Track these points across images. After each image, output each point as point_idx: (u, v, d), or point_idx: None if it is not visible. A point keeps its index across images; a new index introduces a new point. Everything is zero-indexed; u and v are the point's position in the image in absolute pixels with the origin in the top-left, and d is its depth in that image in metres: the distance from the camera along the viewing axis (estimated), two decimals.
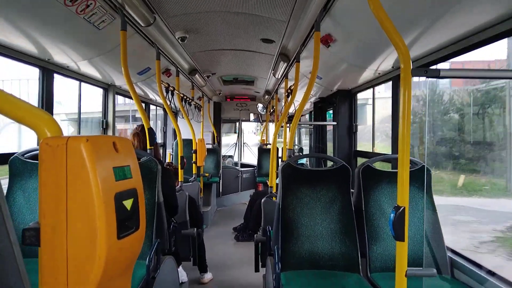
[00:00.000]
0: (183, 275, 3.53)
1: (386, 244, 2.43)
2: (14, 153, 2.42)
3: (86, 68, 3.33)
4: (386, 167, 3.21)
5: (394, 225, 1.33)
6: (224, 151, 9.34)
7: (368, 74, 3.33)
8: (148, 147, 2.94)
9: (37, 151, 2.43)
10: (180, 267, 3.45)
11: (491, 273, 2.03)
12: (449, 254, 2.35)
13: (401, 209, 1.33)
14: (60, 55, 2.85)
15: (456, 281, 2.21)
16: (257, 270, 3.02)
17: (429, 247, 2.39)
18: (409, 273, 1.35)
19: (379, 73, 3.22)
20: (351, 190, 2.61)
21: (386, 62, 2.88)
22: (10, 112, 0.71)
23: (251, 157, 9.66)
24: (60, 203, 0.67)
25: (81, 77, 3.53)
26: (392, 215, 1.34)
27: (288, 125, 4.57)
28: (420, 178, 2.49)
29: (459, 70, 1.45)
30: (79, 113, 3.86)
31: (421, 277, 2.03)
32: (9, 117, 0.72)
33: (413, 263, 2.33)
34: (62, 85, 3.26)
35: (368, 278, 2.34)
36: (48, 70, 2.97)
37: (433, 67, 2.47)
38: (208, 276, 4.03)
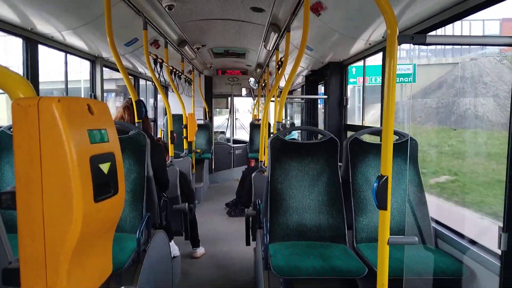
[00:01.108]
0: (175, 250, 3.58)
1: (372, 215, 2.47)
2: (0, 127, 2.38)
3: (72, 39, 3.24)
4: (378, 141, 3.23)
5: (377, 194, 1.35)
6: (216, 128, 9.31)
7: (359, 45, 3.28)
8: (136, 120, 2.91)
9: None
10: (172, 241, 3.49)
11: (473, 242, 2.08)
12: (433, 224, 2.40)
13: (384, 178, 1.34)
14: (43, 25, 2.76)
15: (439, 251, 2.27)
16: (248, 243, 3.07)
17: (414, 218, 2.44)
18: (391, 241, 1.38)
19: (370, 44, 3.18)
20: (340, 163, 2.63)
21: (377, 31, 2.83)
22: None
23: (244, 134, 9.65)
24: (35, 165, 0.66)
25: (67, 48, 3.44)
26: (375, 184, 1.35)
27: (278, 99, 4.54)
28: (406, 150, 2.51)
29: (446, 36, 1.43)
30: (66, 87, 3.78)
31: (403, 245, 2.09)
32: None
33: (398, 234, 2.38)
34: None
35: (354, 249, 2.39)
36: (32, 41, 2.88)
37: None
38: (200, 250, 4.09)
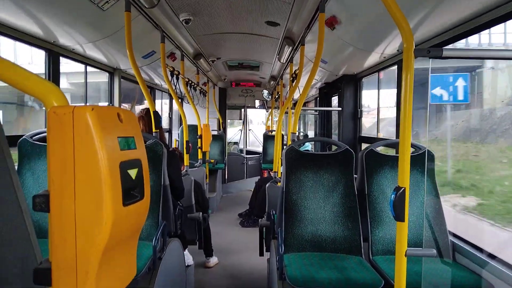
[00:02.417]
0: (189, 259, 3.59)
1: (388, 227, 2.45)
2: (22, 135, 2.45)
3: (92, 51, 3.34)
4: (391, 153, 3.22)
5: (395, 205, 1.35)
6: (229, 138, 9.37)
7: (373, 58, 3.30)
8: (153, 130, 2.97)
9: (45, 134, 2.47)
10: (186, 250, 3.50)
11: (492, 256, 2.04)
12: (450, 238, 2.37)
13: (401, 190, 1.34)
14: (65, 37, 2.86)
15: (457, 265, 2.23)
16: (261, 254, 3.06)
17: (431, 231, 2.41)
18: (408, 253, 1.37)
19: (384, 57, 3.19)
20: (355, 175, 2.63)
21: (391, 45, 2.85)
22: (19, 82, 0.73)
23: (258, 145, 9.69)
24: (68, 170, 0.70)
25: (87, 60, 3.54)
26: (392, 195, 1.35)
27: (292, 110, 4.57)
28: (423, 162, 2.49)
29: (463, 50, 1.44)
30: (86, 97, 3.88)
31: (421, 257, 2.06)
32: (18, 88, 0.74)
33: (415, 246, 2.35)
34: None
35: (370, 261, 2.37)
36: (54, 53, 2.98)
37: None
38: (213, 260, 4.09)
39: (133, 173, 0.77)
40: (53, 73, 3.00)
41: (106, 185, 0.69)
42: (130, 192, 0.76)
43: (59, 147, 0.70)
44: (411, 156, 2.38)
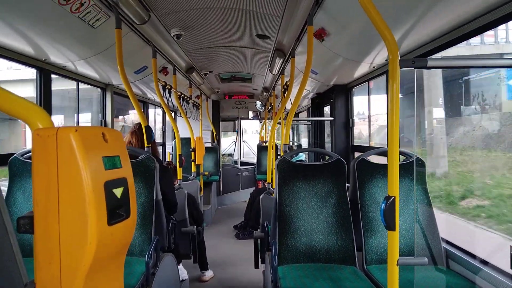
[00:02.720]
0: (183, 273, 3.56)
1: (381, 236, 2.45)
2: (13, 154, 2.44)
3: (83, 68, 3.35)
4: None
5: (385, 214, 1.35)
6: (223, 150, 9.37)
7: (363, 68, 3.35)
8: (145, 145, 2.97)
9: None
10: (181, 264, 3.47)
11: (485, 263, 2.05)
12: (444, 245, 2.38)
13: (391, 199, 1.35)
14: (56, 55, 2.87)
15: (451, 272, 2.24)
16: (256, 266, 3.05)
17: (424, 239, 2.41)
18: (400, 262, 1.37)
19: (373, 67, 3.24)
20: (347, 184, 2.64)
21: (380, 55, 2.89)
22: (3, 105, 0.74)
23: (252, 155, 9.69)
24: (52, 191, 0.70)
25: (79, 77, 3.55)
26: (383, 205, 1.36)
27: (285, 121, 4.58)
28: (413, 170, 2.51)
29: (447, 59, 1.46)
30: (78, 114, 3.88)
31: (413, 266, 2.06)
32: (2, 110, 0.75)
33: (408, 255, 2.36)
34: None
35: (364, 271, 2.36)
36: (45, 71, 2.99)
37: None
38: (209, 273, 4.06)
39: (118, 192, 0.78)
40: (45, 91, 3.00)
41: (90, 205, 0.69)
42: (116, 211, 0.76)
43: (43, 168, 0.71)
44: (402, 164, 2.41)
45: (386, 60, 2.98)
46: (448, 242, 2.41)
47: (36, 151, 0.71)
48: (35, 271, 0.72)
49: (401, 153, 2.44)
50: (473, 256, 2.17)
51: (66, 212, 0.70)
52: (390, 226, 1.36)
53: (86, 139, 0.72)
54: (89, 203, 0.69)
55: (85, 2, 2.25)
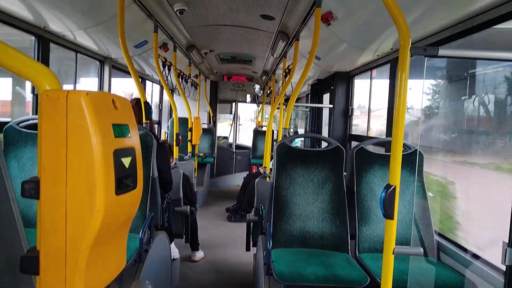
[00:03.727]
0: (175, 252, 3.57)
1: (375, 226, 2.47)
2: (8, 122, 2.39)
3: (82, 38, 3.27)
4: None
5: (384, 203, 1.35)
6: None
7: (367, 55, 3.31)
8: (144, 121, 2.93)
9: (32, 121, 2.42)
10: (173, 243, 3.48)
11: (476, 256, 2.08)
12: (436, 237, 2.40)
13: (391, 188, 1.35)
14: (56, 23, 2.79)
15: (442, 264, 2.27)
16: (248, 249, 3.07)
17: (417, 230, 2.44)
18: (396, 251, 1.38)
19: (378, 55, 3.20)
20: (344, 172, 2.64)
21: (385, 43, 2.86)
22: (10, 64, 0.71)
23: (247, 140, 9.67)
24: (60, 156, 0.68)
25: (77, 48, 3.47)
26: (383, 193, 1.36)
27: (284, 106, 4.56)
28: (413, 162, 2.52)
29: (459, 49, 1.44)
30: (74, 85, 3.81)
31: (408, 255, 2.08)
32: (9, 69, 0.71)
33: (401, 245, 2.38)
34: None
35: (356, 258, 2.39)
36: (44, 39, 2.91)
37: None
38: (199, 254, 4.08)
39: (126, 161, 0.76)
40: (43, 59, 2.93)
41: (99, 173, 0.67)
42: (123, 181, 0.74)
43: (51, 132, 0.68)
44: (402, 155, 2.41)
45: (392, 48, 2.95)
46: (440, 235, 2.44)
47: (45, 113, 0.68)
48: (39, 237, 0.70)
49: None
50: (464, 249, 2.20)
51: (73, 178, 0.67)
52: (389, 214, 1.36)
53: (97, 104, 0.69)
54: (98, 170, 0.67)
55: None
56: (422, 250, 1.53)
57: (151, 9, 3.16)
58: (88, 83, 4.48)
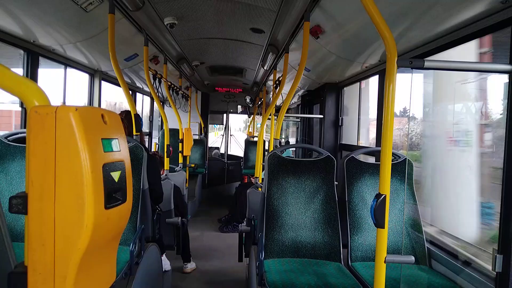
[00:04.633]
0: (166, 264, 3.54)
1: (367, 234, 2.48)
2: None
3: (72, 52, 3.27)
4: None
5: (375, 212, 1.37)
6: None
7: (355, 67, 3.37)
8: (134, 133, 2.93)
9: (21, 134, 2.40)
10: (164, 255, 3.44)
11: (467, 263, 2.10)
12: (427, 245, 2.42)
13: (382, 197, 1.36)
14: (45, 37, 2.80)
15: (433, 271, 2.28)
16: (240, 260, 3.05)
17: (409, 238, 2.46)
18: (388, 259, 1.39)
19: (366, 67, 3.26)
20: (335, 182, 2.66)
21: (373, 55, 2.91)
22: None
23: (238, 150, 9.67)
24: (48, 171, 0.68)
25: (67, 61, 3.47)
26: (373, 202, 1.37)
27: (275, 117, 4.58)
28: (402, 171, 2.55)
29: (445, 61, 1.48)
30: (64, 99, 3.79)
31: (399, 263, 2.09)
32: None
33: (393, 253, 2.39)
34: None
35: (349, 267, 2.39)
36: (33, 53, 2.91)
37: None
38: (191, 265, 4.04)
39: (116, 175, 0.76)
40: (31, 74, 2.92)
41: (88, 187, 0.68)
42: (113, 195, 0.75)
43: (40, 147, 0.68)
44: (391, 164, 2.43)
45: (379, 60, 3.01)
46: (431, 243, 2.46)
47: (34, 129, 0.68)
48: (27, 253, 0.70)
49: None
50: (455, 256, 2.22)
51: (62, 193, 0.68)
52: (380, 223, 1.38)
53: (86, 119, 0.70)
54: (87, 185, 0.67)
55: None
56: (413, 258, 1.54)
57: (142, 23, 3.19)
58: None
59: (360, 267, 2.33)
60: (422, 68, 1.42)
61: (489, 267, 1.75)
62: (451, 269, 2.16)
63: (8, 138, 2.35)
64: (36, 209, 0.68)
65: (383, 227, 1.38)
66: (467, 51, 2.38)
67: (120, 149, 0.80)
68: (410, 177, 2.55)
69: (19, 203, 0.69)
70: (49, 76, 3.24)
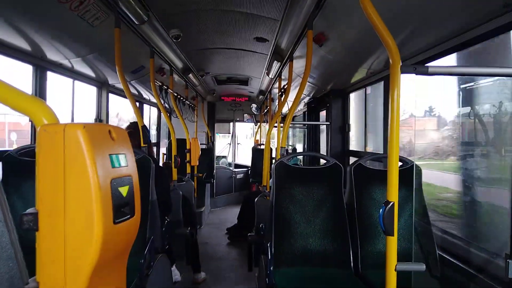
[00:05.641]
0: (176, 274, 3.54)
1: (377, 242, 2.45)
2: (7, 151, 2.41)
3: (80, 66, 3.33)
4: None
5: (384, 220, 1.36)
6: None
7: (360, 73, 3.37)
8: (142, 145, 2.95)
9: (31, 148, 2.43)
10: (174, 266, 3.45)
11: (480, 270, 2.06)
12: (439, 252, 2.39)
13: (390, 204, 1.35)
14: (53, 53, 2.85)
15: (445, 278, 2.25)
16: (250, 269, 3.03)
17: (419, 245, 2.42)
18: (398, 268, 1.37)
19: (371, 73, 3.26)
20: (344, 188, 2.64)
21: (378, 61, 2.92)
22: (7, 100, 0.73)
23: (245, 159, 9.68)
24: (58, 189, 0.69)
25: (75, 75, 3.52)
26: (382, 210, 1.36)
27: (281, 125, 4.59)
28: (410, 176, 2.52)
29: (448, 67, 1.48)
30: (72, 113, 3.84)
31: (410, 271, 2.07)
32: (6, 105, 0.74)
33: (404, 261, 2.35)
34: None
35: (360, 275, 2.36)
36: (42, 68, 2.97)
37: None
38: (201, 275, 4.03)
39: (124, 190, 0.77)
40: (40, 88, 2.97)
41: (97, 203, 0.69)
42: (121, 209, 0.76)
43: (49, 165, 0.70)
44: (399, 170, 2.42)
45: (384, 66, 3.01)
46: (443, 249, 2.42)
47: (43, 147, 0.70)
48: (38, 269, 0.71)
49: (399, 159, 2.45)
50: (467, 263, 2.18)
51: (72, 210, 0.69)
52: (389, 231, 1.37)
53: (93, 136, 0.71)
54: (96, 201, 0.69)
55: (85, 1, 2.23)
56: (424, 266, 1.52)
57: (147, 36, 3.24)
58: None
59: (371, 275, 2.30)
60: (426, 74, 1.42)
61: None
62: (464, 276, 2.12)
63: (18, 153, 2.39)
64: (47, 225, 0.69)
65: (392, 235, 1.36)
66: None
67: (128, 164, 0.81)
68: (418, 182, 2.53)
69: (30, 220, 0.71)
70: (57, 80, 3.27)
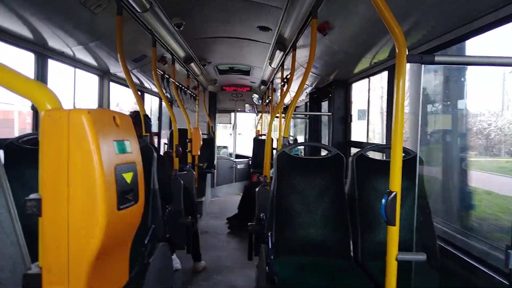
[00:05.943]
0: (177, 263, 3.56)
1: (378, 232, 2.46)
2: (8, 139, 2.40)
3: (81, 54, 3.30)
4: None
5: (386, 209, 1.36)
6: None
7: (364, 63, 3.34)
8: (143, 133, 2.94)
9: (34, 136, 2.43)
10: (174, 254, 3.47)
11: (480, 261, 2.07)
12: (439, 243, 2.39)
13: (393, 194, 1.35)
14: (55, 40, 2.83)
15: (445, 269, 2.25)
16: (250, 258, 3.05)
17: (420, 236, 2.43)
18: (399, 257, 1.38)
19: (375, 63, 3.23)
20: (345, 179, 2.64)
21: (382, 51, 2.89)
22: (11, 84, 0.72)
23: (246, 150, 9.68)
24: (61, 174, 0.69)
25: (76, 64, 3.50)
26: (384, 200, 1.36)
27: (283, 115, 4.58)
28: (413, 167, 2.51)
29: (455, 56, 1.46)
30: (74, 101, 3.83)
31: (411, 262, 2.07)
32: (10, 90, 0.73)
33: (404, 251, 2.36)
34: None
35: (360, 265, 2.38)
36: (43, 55, 2.95)
37: None
38: (201, 264, 4.07)
39: (128, 177, 0.77)
40: (42, 76, 2.96)
41: (101, 189, 0.68)
42: (125, 196, 0.75)
43: (52, 150, 0.69)
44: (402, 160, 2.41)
45: (388, 56, 2.98)
46: (444, 240, 2.43)
47: (46, 132, 0.69)
48: (41, 254, 0.71)
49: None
50: (468, 254, 2.19)
51: (75, 195, 0.68)
52: (391, 221, 1.37)
53: (98, 122, 0.71)
54: (100, 186, 0.68)
55: None
56: (425, 256, 1.52)
57: (149, 24, 3.20)
58: None
59: (372, 265, 2.31)
60: (433, 63, 1.40)
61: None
62: (464, 267, 2.13)
63: (20, 141, 2.38)
64: (50, 211, 0.69)
65: (394, 225, 1.37)
66: None
67: (132, 150, 0.81)
68: (421, 173, 2.52)
69: (33, 205, 0.70)
70: (58, 69, 3.26)
